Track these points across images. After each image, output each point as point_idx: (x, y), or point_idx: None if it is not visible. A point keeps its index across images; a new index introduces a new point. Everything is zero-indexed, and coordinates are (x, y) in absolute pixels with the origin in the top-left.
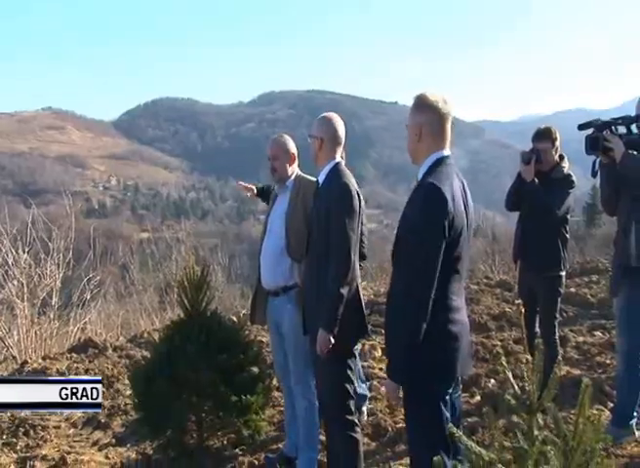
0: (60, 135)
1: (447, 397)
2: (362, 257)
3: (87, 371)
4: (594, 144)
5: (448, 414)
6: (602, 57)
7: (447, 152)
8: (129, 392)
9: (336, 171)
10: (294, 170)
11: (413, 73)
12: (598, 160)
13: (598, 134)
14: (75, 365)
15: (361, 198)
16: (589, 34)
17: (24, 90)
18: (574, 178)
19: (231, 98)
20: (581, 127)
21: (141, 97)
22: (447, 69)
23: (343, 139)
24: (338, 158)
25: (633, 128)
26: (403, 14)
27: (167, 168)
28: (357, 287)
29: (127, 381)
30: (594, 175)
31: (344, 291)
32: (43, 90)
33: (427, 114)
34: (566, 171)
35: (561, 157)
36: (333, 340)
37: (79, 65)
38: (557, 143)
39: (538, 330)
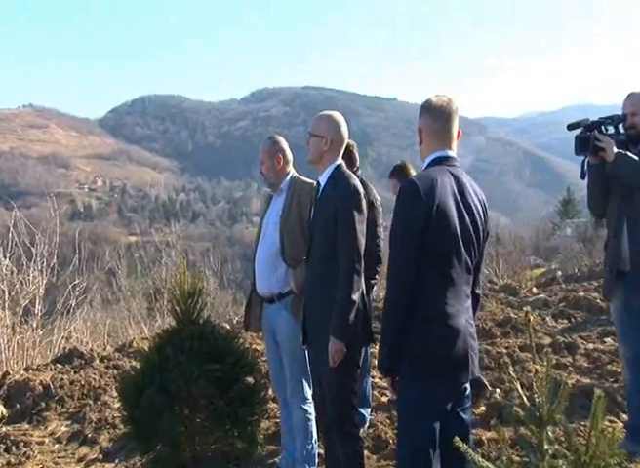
0: (43, 133)
1: (446, 400)
2: (378, 261)
3: (72, 383)
4: (584, 145)
5: (437, 424)
6: (608, 50)
7: (451, 153)
8: (117, 404)
9: (340, 172)
10: (285, 172)
11: (413, 68)
12: (587, 160)
13: (588, 133)
14: (60, 376)
15: (378, 199)
16: (596, 27)
17: (3, 86)
18: None
19: (223, 95)
20: (570, 127)
21: (129, 94)
22: (448, 65)
23: (346, 140)
24: (339, 159)
25: (621, 127)
26: (401, 8)
27: (156, 168)
28: (363, 292)
29: (115, 393)
30: (583, 176)
31: (356, 297)
32: (23, 86)
33: (425, 117)
34: None
35: None
36: (346, 349)
37: (62, 60)
38: None
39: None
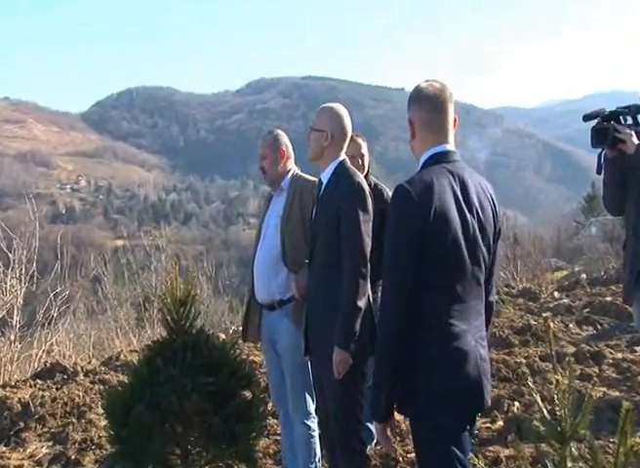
0: (20, 129)
1: (460, 434)
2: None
3: (54, 400)
4: (601, 136)
5: (460, 455)
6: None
7: (450, 147)
8: (103, 423)
9: (343, 169)
10: (287, 169)
11: (422, 56)
12: (603, 153)
13: (605, 124)
14: (40, 393)
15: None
16: (621, 5)
17: None
18: None
19: (216, 87)
20: (586, 118)
21: (114, 86)
22: (460, 52)
23: (350, 134)
24: (343, 155)
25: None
26: None
27: (144, 166)
28: (369, 297)
29: (101, 410)
30: (599, 171)
31: (362, 303)
32: None
33: (415, 108)
34: None
35: None
36: (351, 360)
37: (40, 48)
38: None
39: None
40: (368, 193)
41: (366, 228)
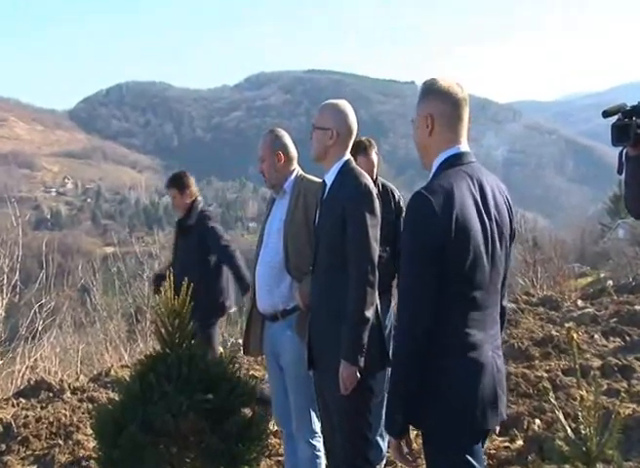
0: (1, 128)
1: (474, 449)
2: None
3: (38, 420)
4: (622, 134)
5: None
6: None
7: (464, 148)
8: (92, 444)
9: (349, 169)
10: (289, 170)
11: (432, 47)
12: (625, 151)
13: (627, 121)
14: (24, 412)
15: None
16: None
17: None
18: None
19: (213, 82)
20: (606, 114)
21: (103, 82)
22: (474, 43)
23: (355, 132)
24: (348, 154)
25: None
26: None
27: (135, 167)
28: (377, 307)
29: (89, 431)
30: (621, 170)
31: (370, 313)
32: None
33: (439, 101)
34: None
35: None
36: (359, 374)
37: (22, 41)
38: None
39: None
40: (375, 195)
41: (374, 233)
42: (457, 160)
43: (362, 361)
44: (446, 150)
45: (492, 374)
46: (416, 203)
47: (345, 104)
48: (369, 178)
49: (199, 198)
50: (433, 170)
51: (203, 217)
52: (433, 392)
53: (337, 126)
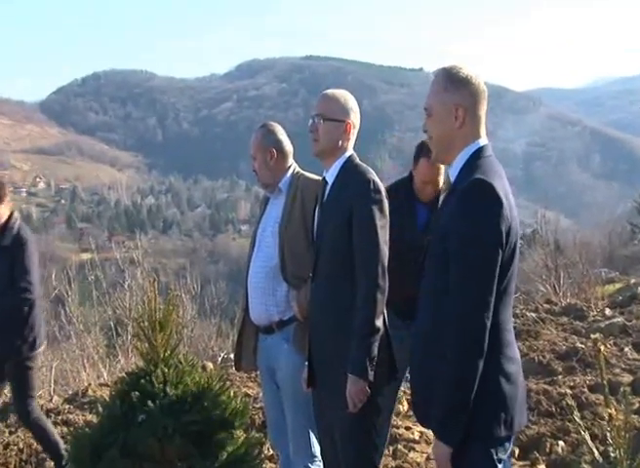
0: None
1: (501, 460)
2: None
3: (7, 447)
4: None
5: None
6: None
7: (484, 141)
8: None
9: (353, 165)
10: (284, 167)
11: (442, 30)
12: None
13: None
14: None
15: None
16: None
17: None
18: None
19: (200, 70)
20: None
21: (78, 70)
22: (489, 24)
23: (358, 125)
24: (351, 149)
25: None
26: None
27: (115, 165)
28: (384, 316)
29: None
30: None
31: (380, 323)
32: None
33: (468, 92)
34: None
35: None
36: (369, 390)
37: None
38: None
39: None
40: (385, 195)
41: (383, 235)
42: (481, 153)
43: (372, 375)
44: (471, 144)
45: (522, 373)
46: (480, 188)
47: (348, 95)
48: (375, 175)
49: (16, 214)
50: (459, 164)
51: (19, 239)
52: (481, 393)
53: (351, 117)
